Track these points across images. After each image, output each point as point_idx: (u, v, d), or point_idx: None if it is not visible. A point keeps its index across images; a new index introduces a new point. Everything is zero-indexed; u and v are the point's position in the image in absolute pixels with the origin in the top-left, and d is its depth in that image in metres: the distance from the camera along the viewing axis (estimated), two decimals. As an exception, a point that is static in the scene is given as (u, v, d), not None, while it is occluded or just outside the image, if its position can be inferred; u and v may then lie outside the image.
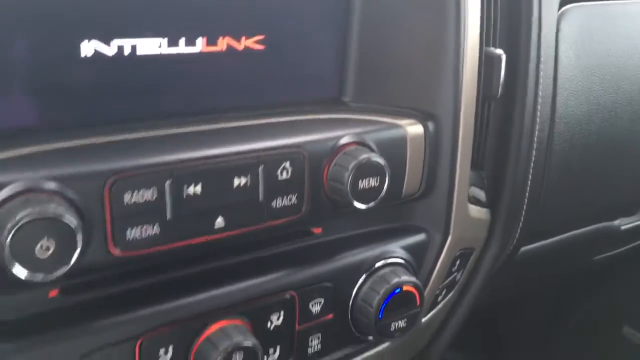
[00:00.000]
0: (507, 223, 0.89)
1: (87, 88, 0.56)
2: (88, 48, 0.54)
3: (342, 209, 0.66)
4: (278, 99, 0.68)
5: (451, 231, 0.78)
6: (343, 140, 0.65)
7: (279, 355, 0.68)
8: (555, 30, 0.86)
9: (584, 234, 1.12)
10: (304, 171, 0.63)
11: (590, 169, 0.97)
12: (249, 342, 0.60)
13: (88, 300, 0.58)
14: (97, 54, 0.55)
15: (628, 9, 0.96)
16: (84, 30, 0.54)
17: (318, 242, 0.72)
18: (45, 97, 0.55)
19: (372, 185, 0.65)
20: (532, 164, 0.87)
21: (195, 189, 0.56)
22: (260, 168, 0.60)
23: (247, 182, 0.59)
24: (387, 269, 0.73)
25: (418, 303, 0.74)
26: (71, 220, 0.48)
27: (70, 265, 0.48)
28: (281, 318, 0.66)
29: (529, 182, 0.88)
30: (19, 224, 0.46)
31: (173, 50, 0.59)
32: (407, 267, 0.75)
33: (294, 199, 0.63)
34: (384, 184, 0.65)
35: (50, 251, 0.47)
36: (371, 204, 0.65)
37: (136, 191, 0.53)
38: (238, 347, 0.60)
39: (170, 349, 0.59)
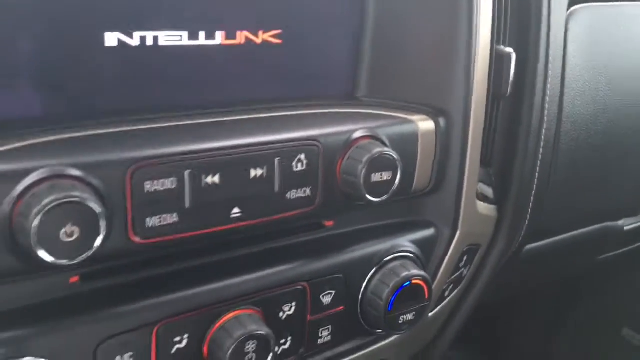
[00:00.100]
0: (513, 220, 0.90)
1: (111, 78, 0.57)
2: (112, 38, 0.56)
3: (354, 202, 0.67)
4: (293, 93, 0.69)
5: (459, 227, 0.79)
6: (356, 134, 0.66)
7: (290, 345, 0.69)
8: (564, 31, 0.87)
9: (587, 233, 1.13)
10: (318, 164, 0.64)
11: (596, 169, 0.98)
12: (263, 330, 0.61)
13: (107, 286, 0.59)
14: (121, 45, 0.56)
15: (636, 11, 0.97)
16: (108, 21, 0.55)
17: (330, 235, 0.73)
18: (70, 86, 0.56)
19: (385, 179, 0.66)
20: (539, 163, 0.88)
21: (213, 179, 0.57)
22: (277, 160, 0.61)
23: (263, 173, 0.60)
24: (396, 263, 0.74)
25: (427, 296, 0.75)
26: (95, 206, 0.49)
27: (93, 250, 0.49)
28: (293, 309, 0.67)
29: (536, 180, 0.89)
30: (46, 209, 0.47)
31: (193, 42, 0.60)
32: (416, 261, 0.76)
33: (308, 191, 0.64)
34: (396, 178, 0.66)
35: (75, 236, 0.49)
36: (383, 198, 0.66)
37: (157, 180, 0.54)
38: (252, 336, 0.61)
39: (186, 336, 0.60)
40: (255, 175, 0.60)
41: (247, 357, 0.61)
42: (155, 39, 0.58)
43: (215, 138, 0.58)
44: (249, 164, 0.59)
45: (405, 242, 0.76)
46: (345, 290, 0.71)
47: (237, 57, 0.63)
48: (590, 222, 1.11)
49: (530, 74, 0.84)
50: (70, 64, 0.55)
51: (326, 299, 0.70)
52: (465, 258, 0.85)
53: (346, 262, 0.71)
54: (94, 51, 0.55)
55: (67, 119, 0.55)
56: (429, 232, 0.79)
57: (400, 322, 0.74)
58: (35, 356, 0.53)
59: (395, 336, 0.82)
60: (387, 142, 0.68)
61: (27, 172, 0.49)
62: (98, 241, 0.50)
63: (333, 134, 0.65)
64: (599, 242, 1.20)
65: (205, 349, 0.62)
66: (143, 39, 0.57)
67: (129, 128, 0.56)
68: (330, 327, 0.72)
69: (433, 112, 0.73)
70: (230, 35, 0.62)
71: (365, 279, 0.73)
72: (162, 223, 0.55)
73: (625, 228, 1.20)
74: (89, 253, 0.49)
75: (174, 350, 0.60)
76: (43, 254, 0.48)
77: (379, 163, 0.65)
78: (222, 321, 0.62)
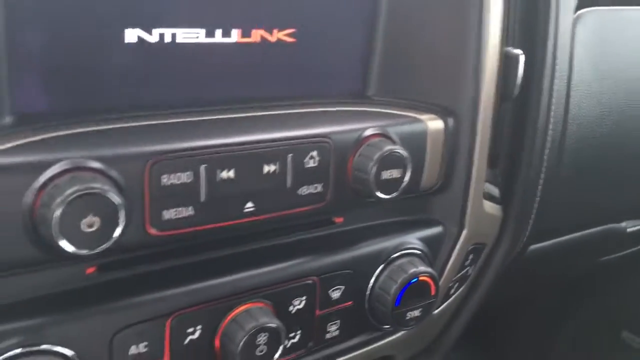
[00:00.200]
0: (518, 220, 0.91)
1: (131, 73, 0.58)
2: (132, 35, 0.57)
3: (364, 198, 0.68)
4: (305, 90, 0.70)
5: (466, 225, 0.80)
6: (367, 132, 0.67)
7: (299, 339, 0.70)
8: (570, 34, 0.88)
9: (591, 234, 1.14)
10: (329, 161, 0.65)
11: (600, 170, 0.99)
12: (274, 323, 0.63)
13: (123, 278, 0.60)
14: (140, 41, 0.57)
15: (641, 15, 0.98)
16: (129, 17, 0.56)
17: (339, 231, 0.74)
18: (91, 80, 0.57)
19: (395, 176, 0.67)
20: (545, 163, 0.89)
21: (228, 174, 0.59)
22: (289, 156, 0.62)
23: (276, 169, 0.61)
24: (404, 259, 0.75)
25: (433, 293, 0.76)
26: (115, 197, 0.50)
27: (112, 241, 0.51)
28: (303, 303, 0.69)
29: (541, 180, 0.90)
30: (68, 200, 0.48)
31: (210, 40, 0.61)
32: (424, 258, 0.78)
33: (319, 187, 0.65)
34: (405, 176, 0.68)
35: (95, 227, 0.50)
36: (393, 195, 0.68)
37: (173, 173, 0.55)
38: (263, 328, 0.62)
39: (199, 328, 0.62)
40: (269, 171, 0.61)
41: (258, 350, 0.62)
42: (173, 36, 0.59)
43: (230, 134, 0.59)
44: (263, 160, 0.61)
45: (413, 240, 0.77)
46: (354, 285, 0.72)
47: (252, 55, 0.65)
48: (594, 223, 1.12)
49: (537, 75, 0.85)
50: (91, 59, 0.56)
51: (335, 294, 0.71)
52: (471, 257, 0.86)
53: (355, 258, 0.72)
54: (114, 47, 0.57)
55: (87, 113, 0.56)
56: (436, 230, 0.80)
57: (407, 318, 0.75)
58: (52, 344, 0.54)
59: (401, 333, 0.83)
60: (397, 140, 0.69)
61: (49, 164, 0.50)
62: (117, 232, 0.51)
63: (344, 131, 0.66)
64: (602, 243, 1.21)
65: (217, 342, 0.63)
66: (161, 35, 0.58)
67: (147, 123, 0.57)
68: (338, 321, 0.73)
69: (442, 112, 0.74)
70: (245, 34, 0.63)
71: (373, 275, 0.74)
72: (178, 216, 0.57)
73: (628, 230, 1.21)
74: (109, 243, 0.51)
75: (186, 341, 0.61)
76: (64, 244, 0.49)
77: (389, 161, 0.66)
78: (233, 314, 0.63)
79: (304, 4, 0.67)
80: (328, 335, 0.73)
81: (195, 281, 0.62)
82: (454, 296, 0.89)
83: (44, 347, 0.54)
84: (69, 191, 0.48)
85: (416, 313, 0.76)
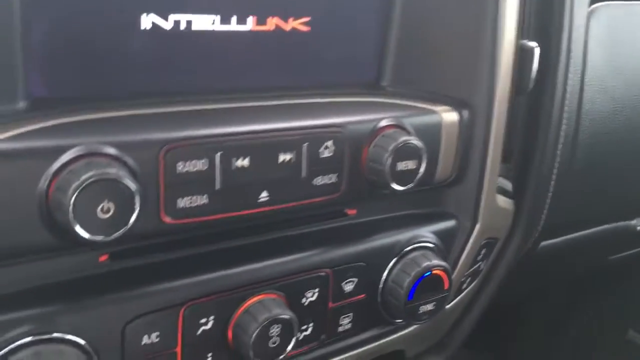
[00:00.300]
0: (531, 215, 0.90)
1: (146, 59, 0.58)
2: (147, 21, 0.56)
3: (379, 190, 0.68)
4: (319, 80, 0.70)
5: (480, 219, 0.80)
6: (382, 123, 0.67)
7: (312, 332, 0.69)
8: (585, 27, 0.88)
9: (601, 232, 1.13)
10: (344, 151, 0.64)
11: (613, 166, 0.98)
12: (287, 315, 0.62)
13: (135, 266, 0.59)
14: (155, 27, 0.57)
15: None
16: (144, 2, 0.56)
17: (352, 224, 0.73)
18: (106, 66, 0.56)
19: (410, 167, 0.66)
20: (558, 158, 0.88)
21: (243, 162, 0.58)
22: (305, 145, 0.61)
23: (291, 158, 0.61)
24: (418, 252, 0.74)
25: (446, 287, 0.75)
26: (131, 183, 0.49)
27: (128, 227, 0.50)
28: (316, 295, 0.68)
29: (554, 175, 0.89)
30: (83, 185, 0.47)
31: (225, 27, 0.60)
32: (437, 252, 0.77)
33: (334, 177, 0.64)
34: (420, 167, 0.67)
35: (110, 213, 0.49)
36: (408, 186, 0.67)
37: (189, 161, 0.55)
38: (276, 320, 0.61)
39: (211, 318, 0.61)
40: (284, 160, 0.61)
41: (270, 342, 0.62)
42: (189, 22, 0.58)
43: (246, 122, 0.59)
44: (278, 149, 0.60)
45: (427, 233, 0.76)
46: (367, 278, 0.72)
47: (266, 44, 0.64)
48: (604, 220, 1.11)
49: (551, 69, 0.84)
50: (106, 45, 0.56)
51: (348, 287, 0.70)
52: (483, 251, 0.85)
53: (368, 251, 0.71)
54: (129, 33, 0.56)
55: (102, 99, 0.56)
56: (449, 223, 0.79)
57: (420, 312, 0.74)
58: (64, 333, 0.54)
59: (413, 327, 0.83)
60: (411, 131, 0.68)
61: (63, 149, 0.50)
62: (133, 218, 0.50)
63: (360, 121, 0.65)
64: (612, 241, 1.20)
65: (229, 333, 0.62)
66: (177, 22, 0.58)
67: (162, 110, 0.57)
68: (351, 314, 0.72)
69: (457, 104, 0.74)
70: (260, 21, 0.62)
71: (386, 268, 0.73)
72: (192, 204, 0.56)
73: (638, 228, 1.20)
74: (125, 230, 0.50)
75: (199, 332, 0.61)
76: (80, 230, 0.48)
77: (405, 152, 0.65)
78: (246, 305, 0.62)
79: (320, -8, 0.66)
80: (340, 328, 0.72)
81: (209, 271, 0.61)
82: (465, 291, 0.88)
83: (55, 335, 0.53)
84: (85, 176, 0.47)
85: (429, 307, 0.75)
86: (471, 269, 0.85)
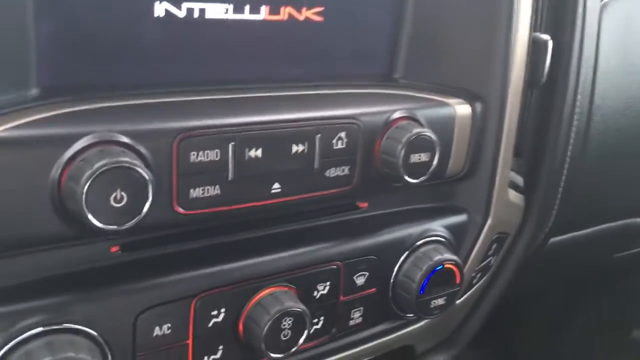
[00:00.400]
0: (541, 210, 0.89)
1: (159, 48, 0.57)
2: (160, 9, 0.55)
3: (392, 182, 0.67)
4: (331, 70, 0.69)
5: (491, 213, 0.79)
6: (395, 115, 0.66)
7: (323, 325, 0.69)
8: (597, 21, 0.87)
9: (610, 228, 1.13)
10: (357, 142, 0.64)
11: (623, 162, 0.97)
12: (299, 307, 0.61)
13: (147, 257, 0.59)
14: (168, 15, 0.56)
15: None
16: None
17: (364, 217, 0.73)
18: (119, 54, 0.56)
19: (423, 160, 0.66)
20: (569, 154, 0.87)
21: (256, 153, 0.57)
22: (318, 137, 0.61)
23: (304, 149, 0.60)
24: (429, 246, 0.74)
25: (458, 281, 0.75)
26: (144, 172, 0.49)
27: (141, 216, 0.49)
28: (327, 288, 0.67)
29: (565, 171, 0.88)
30: (97, 173, 0.47)
31: (238, 16, 0.60)
32: (448, 246, 0.76)
33: (346, 169, 0.64)
34: (434, 160, 0.66)
35: (123, 202, 0.48)
36: (421, 179, 0.66)
37: (202, 151, 0.54)
38: (288, 312, 0.61)
39: (223, 310, 0.60)
40: (297, 151, 0.60)
41: (282, 334, 0.61)
42: (202, 11, 0.58)
43: (259, 112, 0.58)
44: (291, 140, 0.59)
45: (438, 227, 0.76)
46: (378, 272, 0.71)
47: (279, 33, 0.63)
48: (615, 217, 1.10)
49: (563, 63, 0.84)
50: (119, 33, 0.55)
51: (359, 280, 0.70)
52: (494, 246, 0.85)
53: (380, 244, 0.71)
54: (143, 21, 0.55)
55: (115, 88, 0.55)
56: (461, 217, 0.79)
57: (431, 306, 0.74)
58: (75, 323, 0.53)
59: (422, 322, 0.82)
60: (424, 123, 0.68)
61: (76, 137, 0.49)
62: (146, 207, 0.49)
63: (373, 113, 0.65)
64: (620, 238, 1.19)
65: (241, 326, 0.62)
66: (190, 10, 0.57)
67: (175, 99, 0.56)
68: (361, 308, 0.71)
69: (469, 96, 0.73)
70: (274, 11, 0.62)
71: (397, 262, 0.73)
72: (205, 195, 0.55)
73: (645, 225, 1.20)
74: (138, 219, 0.49)
75: (210, 324, 0.60)
76: (92, 219, 0.47)
77: (418, 144, 0.65)
78: (258, 297, 0.62)
79: (334, -19, 0.65)
80: (351, 322, 0.71)
81: (220, 263, 0.61)
82: (475, 286, 0.88)
83: (66, 326, 0.53)
84: (98, 164, 0.47)
85: (440, 301, 0.74)
86: (482, 264, 0.85)
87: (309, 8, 0.64)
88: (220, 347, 0.61)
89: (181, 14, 0.57)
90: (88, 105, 0.52)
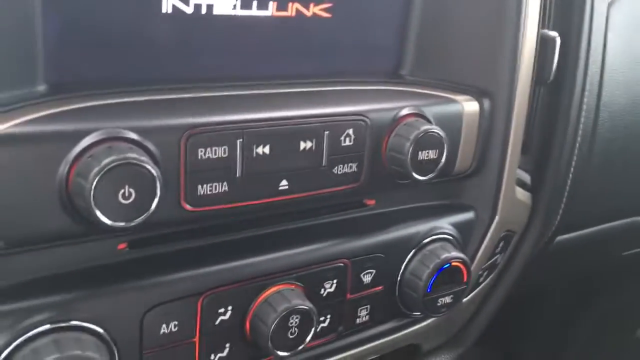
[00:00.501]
0: (549, 208, 0.89)
1: (167, 44, 0.57)
2: (168, 4, 0.55)
3: (399, 180, 0.67)
4: (339, 67, 0.68)
5: (498, 211, 0.79)
6: (403, 112, 0.66)
7: (329, 323, 0.68)
8: (605, 18, 0.86)
9: (616, 227, 1.12)
10: (365, 140, 0.63)
11: (631, 160, 0.97)
12: (306, 305, 0.61)
13: (154, 255, 0.58)
14: (176, 11, 0.56)
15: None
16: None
17: (371, 214, 0.72)
18: (127, 50, 0.55)
19: (431, 157, 0.65)
20: (576, 151, 0.87)
21: (264, 149, 0.57)
22: (326, 133, 0.60)
23: (312, 146, 0.60)
24: (436, 244, 0.73)
25: (465, 279, 0.74)
26: (152, 168, 0.48)
27: (150, 213, 0.49)
28: (334, 286, 0.67)
29: (572, 168, 0.88)
30: (105, 170, 0.46)
31: (246, 12, 0.59)
32: (455, 244, 0.76)
33: (354, 167, 0.63)
34: (442, 157, 0.66)
35: (132, 199, 0.48)
36: (429, 176, 0.66)
37: (210, 147, 0.54)
38: (295, 310, 0.60)
39: (230, 308, 0.60)
40: (305, 148, 0.60)
41: (289, 332, 0.61)
42: (210, 7, 0.57)
43: (267, 108, 0.58)
44: (299, 136, 0.59)
45: (445, 225, 0.75)
46: (385, 270, 0.71)
47: (287, 29, 0.63)
48: (622, 215, 1.10)
49: (571, 60, 0.83)
50: (128, 29, 0.55)
51: (366, 278, 0.69)
52: (501, 244, 0.84)
53: (387, 242, 0.70)
54: (151, 17, 0.55)
55: (122, 84, 0.55)
56: (468, 215, 0.78)
57: (438, 304, 0.73)
58: (82, 321, 0.53)
59: (429, 320, 0.82)
60: (432, 120, 0.67)
61: (84, 134, 0.49)
62: (154, 204, 0.49)
63: (381, 110, 0.64)
64: (626, 237, 1.19)
65: (247, 324, 0.61)
66: (198, 6, 0.57)
67: (184, 95, 0.56)
68: (368, 306, 0.71)
69: (477, 93, 0.72)
70: (281, 7, 0.61)
71: (404, 260, 0.72)
72: (212, 191, 0.55)
73: (653, 223, 1.19)
74: (146, 216, 0.49)
75: (217, 322, 0.60)
76: (100, 216, 0.47)
77: (426, 141, 0.64)
78: (265, 295, 0.62)
79: (341, -22, 0.65)
80: (358, 320, 0.71)
81: (227, 260, 0.60)
82: (482, 285, 0.87)
83: (73, 323, 0.53)
84: (106, 161, 0.47)
85: (447, 299, 0.74)
86: (488, 262, 0.84)
87: (316, 4, 0.64)
88: (227, 345, 0.61)
89: (189, 9, 0.57)
90: (96, 102, 0.51)
